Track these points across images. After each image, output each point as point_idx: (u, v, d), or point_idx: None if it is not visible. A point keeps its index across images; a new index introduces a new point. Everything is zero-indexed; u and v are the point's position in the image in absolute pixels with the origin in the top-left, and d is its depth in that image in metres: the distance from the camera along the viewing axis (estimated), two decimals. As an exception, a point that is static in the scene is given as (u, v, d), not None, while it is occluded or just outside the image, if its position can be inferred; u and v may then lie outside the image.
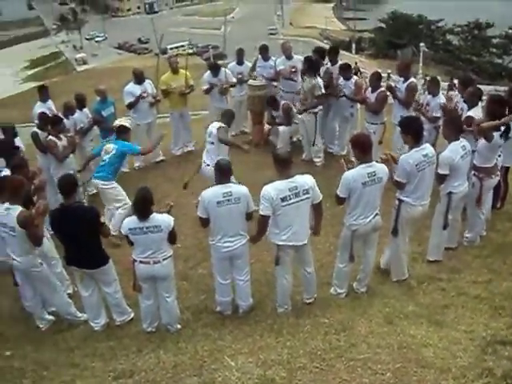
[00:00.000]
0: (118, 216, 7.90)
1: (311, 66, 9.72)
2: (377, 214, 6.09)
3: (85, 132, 9.92)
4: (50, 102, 10.29)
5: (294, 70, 10.63)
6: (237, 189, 5.94)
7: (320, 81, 9.64)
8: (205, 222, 6.06)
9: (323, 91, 9.65)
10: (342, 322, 5.70)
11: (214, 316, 6.43)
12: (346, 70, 10.01)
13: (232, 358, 4.92)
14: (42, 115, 9.29)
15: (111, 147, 8.24)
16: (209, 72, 11.03)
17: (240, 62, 11.53)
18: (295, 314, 6.20)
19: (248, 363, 4.77)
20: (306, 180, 5.80)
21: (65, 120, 9.36)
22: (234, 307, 6.45)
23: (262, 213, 5.77)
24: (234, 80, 11.12)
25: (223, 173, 5.97)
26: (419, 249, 7.31)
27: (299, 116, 10.08)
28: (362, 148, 5.96)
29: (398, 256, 6.60)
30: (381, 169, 5.97)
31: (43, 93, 10.32)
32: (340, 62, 10.33)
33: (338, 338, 5.30)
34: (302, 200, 5.74)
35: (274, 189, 5.68)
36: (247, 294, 6.37)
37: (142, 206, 5.73)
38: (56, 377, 5.17)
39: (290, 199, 5.67)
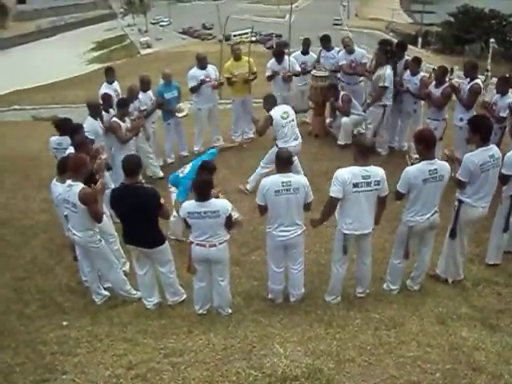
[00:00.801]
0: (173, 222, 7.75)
1: (386, 54, 9.67)
2: (435, 212, 5.99)
3: (148, 114, 10.07)
4: (115, 84, 10.48)
5: (353, 64, 10.56)
6: (296, 179, 5.94)
7: (389, 72, 9.53)
8: (262, 210, 6.11)
9: (386, 84, 9.53)
10: (393, 319, 5.67)
11: (265, 303, 6.49)
12: (416, 65, 9.83)
13: (281, 345, 4.94)
14: (105, 96, 9.52)
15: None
16: (273, 59, 10.99)
17: (305, 52, 11.44)
18: (346, 306, 6.20)
19: (297, 352, 4.79)
20: (378, 172, 5.79)
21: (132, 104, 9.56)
22: (285, 296, 6.49)
23: (332, 194, 5.79)
24: (298, 69, 11.04)
25: (283, 162, 5.98)
26: (476, 250, 7.18)
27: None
28: (426, 144, 5.86)
29: (454, 257, 6.48)
30: (443, 166, 5.86)
31: (109, 74, 10.52)
32: (406, 57, 10.17)
33: (388, 334, 5.27)
34: (371, 190, 5.75)
35: (348, 172, 5.71)
36: (300, 283, 6.39)
37: (201, 190, 5.81)
38: (109, 349, 5.31)
39: (361, 186, 5.68)
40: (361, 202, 5.77)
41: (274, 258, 6.30)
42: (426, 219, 5.95)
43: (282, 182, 5.84)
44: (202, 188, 5.82)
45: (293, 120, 8.65)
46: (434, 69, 11.24)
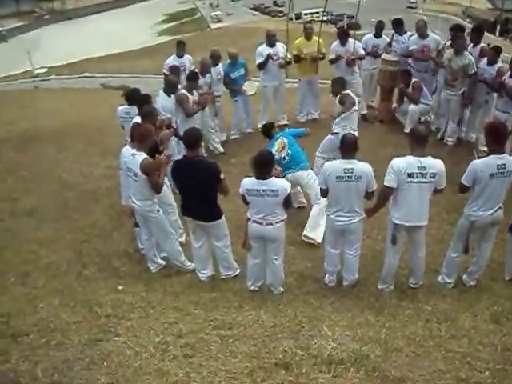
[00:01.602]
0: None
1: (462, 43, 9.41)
2: (499, 208, 5.82)
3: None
4: (185, 58, 10.54)
5: (425, 50, 10.24)
6: (360, 166, 5.83)
7: (472, 58, 9.29)
8: (324, 193, 6.11)
9: (474, 70, 9.29)
10: (445, 312, 5.57)
11: (318, 285, 6.50)
12: (495, 54, 9.42)
13: (330, 328, 4.95)
14: (173, 68, 9.64)
15: (283, 142, 7.79)
16: (337, 41, 10.81)
17: (378, 35, 11.20)
18: (398, 296, 6.15)
19: (345, 336, 4.79)
20: (436, 164, 5.66)
21: (201, 78, 9.64)
22: (338, 279, 6.49)
23: (386, 183, 5.73)
24: (363, 52, 10.81)
25: (348, 148, 5.89)
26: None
27: (442, 94, 9.77)
28: (496, 137, 5.66)
29: (513, 254, 6.32)
30: (511, 161, 5.67)
31: (180, 48, 10.59)
32: (482, 44, 9.85)
33: (439, 328, 5.19)
34: (426, 182, 5.63)
35: (404, 162, 5.63)
36: (354, 268, 6.36)
37: (261, 168, 5.80)
38: (161, 317, 5.43)
39: (416, 177, 5.58)
40: (414, 193, 5.67)
41: (330, 240, 6.31)
42: (489, 215, 5.79)
43: (345, 169, 5.78)
44: (263, 166, 5.81)
45: (356, 110, 8.56)
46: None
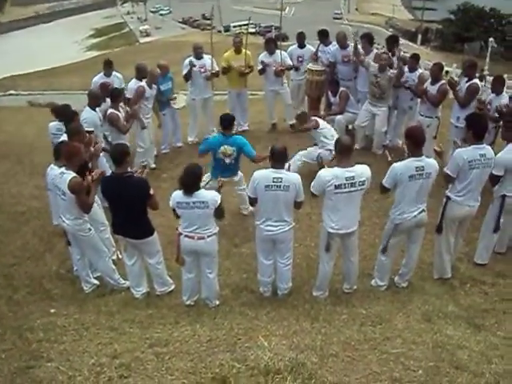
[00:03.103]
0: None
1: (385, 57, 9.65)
2: (423, 211, 6.02)
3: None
4: (112, 76, 10.26)
5: (346, 59, 10.49)
6: (288, 177, 5.88)
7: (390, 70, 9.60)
8: (253, 201, 6.13)
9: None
10: (380, 315, 5.70)
11: (253, 296, 6.52)
12: (414, 61, 9.81)
13: (266, 338, 4.96)
14: (104, 85, 9.48)
15: (230, 150, 7.72)
16: (264, 52, 10.92)
17: (301, 46, 11.30)
18: (333, 301, 6.23)
19: (281, 345, 4.81)
20: (363, 171, 5.79)
21: (147, 89, 9.66)
22: (274, 289, 6.51)
23: (313, 191, 5.88)
24: (290, 62, 10.93)
25: (277, 158, 5.92)
26: (465, 249, 7.20)
27: (371, 108, 9.96)
28: (415, 141, 5.88)
29: (440, 254, 6.53)
30: (430, 164, 5.88)
31: (107, 67, 10.31)
32: (402, 53, 10.19)
33: (373, 330, 5.30)
34: (356, 190, 5.74)
35: (330, 175, 5.71)
36: (287, 277, 6.40)
37: (189, 182, 5.78)
38: (95, 338, 5.32)
39: (345, 187, 5.67)
40: (344, 202, 5.77)
41: (262, 250, 6.32)
42: (413, 217, 5.98)
43: (274, 178, 5.81)
44: (190, 179, 5.79)
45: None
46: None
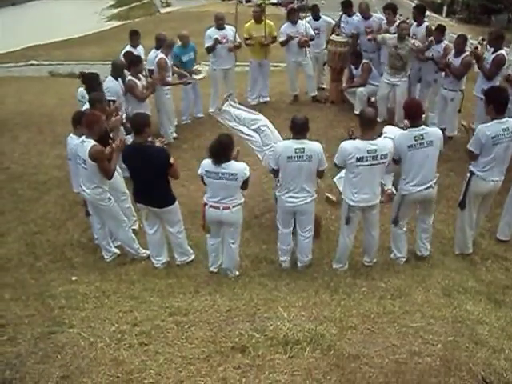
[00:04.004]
0: None
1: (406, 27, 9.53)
2: (430, 187, 6.00)
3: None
4: (139, 48, 10.30)
5: (369, 30, 10.31)
6: (310, 146, 5.85)
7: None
8: (275, 173, 6.12)
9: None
10: (399, 289, 5.68)
11: (273, 267, 6.54)
12: (439, 33, 9.58)
13: (285, 309, 4.96)
14: (127, 54, 9.44)
15: None
16: (287, 23, 10.75)
17: (316, 18, 11.14)
18: (353, 274, 6.24)
19: (301, 316, 4.81)
20: (386, 144, 5.76)
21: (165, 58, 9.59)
22: (293, 261, 6.52)
23: (335, 161, 5.89)
24: (313, 33, 10.77)
25: (299, 128, 5.89)
26: (488, 225, 7.14)
27: (390, 79, 9.80)
28: (412, 113, 5.96)
29: (462, 229, 6.48)
30: (431, 132, 5.89)
31: (134, 38, 10.28)
32: (426, 23, 10.00)
33: (392, 304, 5.28)
34: (378, 164, 5.71)
35: (352, 147, 5.69)
36: (307, 249, 6.41)
37: (218, 151, 5.77)
38: (115, 306, 5.36)
39: (367, 161, 5.64)
40: (366, 175, 5.75)
41: (282, 220, 6.33)
42: (419, 191, 5.97)
43: (296, 149, 5.79)
44: (218, 149, 5.78)
45: None
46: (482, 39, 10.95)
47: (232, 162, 5.81)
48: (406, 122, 6.06)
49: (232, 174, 5.74)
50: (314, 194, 6.09)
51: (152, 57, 9.81)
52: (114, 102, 7.98)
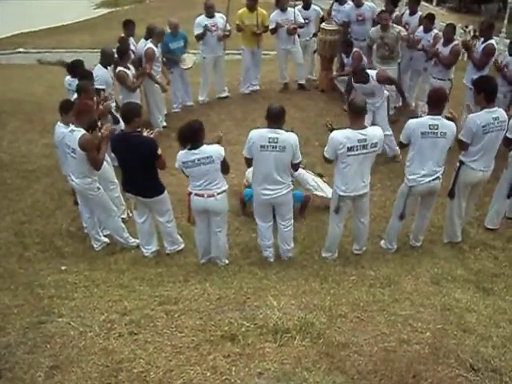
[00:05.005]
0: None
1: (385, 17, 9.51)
2: (437, 178, 5.99)
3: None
4: (131, 39, 10.13)
5: (361, 18, 10.32)
6: (285, 137, 5.70)
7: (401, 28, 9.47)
8: (249, 162, 6.01)
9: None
10: (388, 277, 5.70)
11: (262, 255, 6.53)
12: (429, 22, 9.59)
13: (275, 298, 4.96)
14: (121, 39, 9.42)
15: None
16: (277, 10, 10.67)
17: (306, 7, 11.05)
18: (342, 262, 6.25)
19: (290, 305, 4.82)
20: (376, 133, 5.74)
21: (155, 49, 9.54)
22: (278, 253, 6.52)
23: (325, 155, 5.83)
24: (302, 21, 10.70)
25: (274, 117, 5.74)
26: (476, 213, 7.17)
27: (380, 67, 9.70)
28: (436, 101, 5.91)
29: (451, 218, 6.50)
30: (446, 124, 5.84)
31: (129, 29, 10.05)
32: (420, 13, 10.02)
33: (382, 292, 5.30)
34: (368, 153, 5.70)
35: (343, 136, 5.64)
36: (289, 238, 6.35)
37: (185, 135, 5.74)
38: (105, 295, 5.35)
39: (357, 150, 5.62)
40: (356, 164, 5.72)
41: (259, 213, 6.26)
42: (427, 182, 5.96)
43: (269, 138, 5.65)
44: (190, 134, 5.75)
45: None
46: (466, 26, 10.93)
47: (205, 146, 5.76)
48: (426, 106, 6.04)
49: (207, 157, 5.68)
50: (289, 185, 5.99)
51: (141, 46, 9.72)
52: (103, 90, 7.92)
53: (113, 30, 10.53)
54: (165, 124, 10.09)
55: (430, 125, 5.75)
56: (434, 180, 5.97)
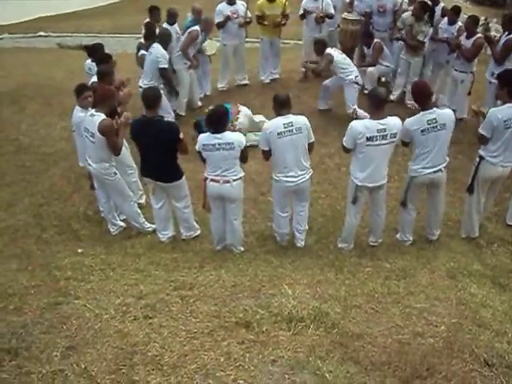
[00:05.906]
0: None
1: (425, 11, 9.47)
2: (440, 170, 5.95)
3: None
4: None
5: (382, 9, 10.25)
6: (297, 119, 5.86)
7: (430, 30, 9.46)
8: (267, 155, 6.05)
9: (425, 40, 9.47)
10: (404, 270, 5.69)
11: (278, 244, 6.56)
12: (454, 14, 9.44)
13: (290, 286, 4.98)
14: (148, 24, 9.43)
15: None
16: None
17: None
18: (358, 254, 6.25)
19: (305, 294, 4.83)
20: (395, 123, 5.72)
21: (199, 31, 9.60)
22: (293, 242, 6.55)
23: (344, 144, 5.85)
24: (332, 11, 10.52)
25: (282, 104, 5.87)
26: (495, 209, 7.10)
27: (403, 57, 9.82)
28: (422, 95, 5.86)
29: (470, 213, 6.45)
30: (444, 115, 5.79)
31: (154, 15, 10.08)
32: (443, 4, 9.93)
33: (397, 284, 5.29)
34: (387, 143, 5.68)
35: (362, 126, 5.65)
36: (305, 219, 6.46)
37: (216, 121, 5.79)
38: (121, 278, 5.40)
39: (376, 140, 5.61)
40: (375, 154, 5.73)
41: (280, 204, 6.31)
42: (428, 174, 5.93)
43: (284, 124, 5.77)
44: (216, 119, 5.81)
45: None
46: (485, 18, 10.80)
47: (227, 132, 5.81)
48: (414, 103, 6.00)
49: (228, 144, 5.72)
50: (310, 170, 6.10)
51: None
52: (165, 69, 8.51)
53: (133, 16, 10.47)
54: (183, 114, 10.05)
55: (427, 120, 5.71)
56: (435, 172, 5.93)
